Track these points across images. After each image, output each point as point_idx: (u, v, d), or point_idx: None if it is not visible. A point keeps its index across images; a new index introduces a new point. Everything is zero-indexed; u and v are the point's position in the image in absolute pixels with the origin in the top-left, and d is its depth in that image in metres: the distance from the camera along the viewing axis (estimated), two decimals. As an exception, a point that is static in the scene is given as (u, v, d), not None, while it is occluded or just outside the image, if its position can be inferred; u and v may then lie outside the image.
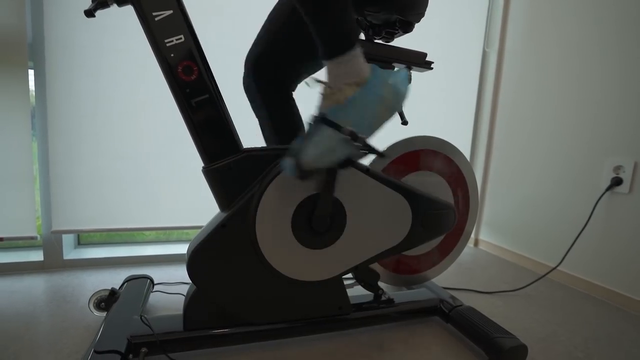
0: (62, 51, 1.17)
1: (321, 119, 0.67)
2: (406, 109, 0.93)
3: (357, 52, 0.65)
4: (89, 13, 0.66)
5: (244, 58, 0.93)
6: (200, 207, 1.36)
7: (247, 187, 0.76)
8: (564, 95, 1.43)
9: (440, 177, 0.99)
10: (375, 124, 0.69)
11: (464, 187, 1.03)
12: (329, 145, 0.66)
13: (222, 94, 0.79)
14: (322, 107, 0.68)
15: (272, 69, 0.87)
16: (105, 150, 1.25)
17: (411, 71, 0.90)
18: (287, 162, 0.69)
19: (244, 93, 0.94)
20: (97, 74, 1.21)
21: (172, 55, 0.70)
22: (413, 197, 0.88)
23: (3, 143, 1.17)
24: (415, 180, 0.95)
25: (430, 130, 1.70)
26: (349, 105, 0.66)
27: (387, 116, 0.69)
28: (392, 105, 0.69)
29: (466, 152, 1.83)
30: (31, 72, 1.19)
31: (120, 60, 1.23)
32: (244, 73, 0.92)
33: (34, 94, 1.20)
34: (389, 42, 0.89)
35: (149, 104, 1.27)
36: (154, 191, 1.31)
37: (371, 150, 0.70)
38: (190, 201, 1.35)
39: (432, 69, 0.91)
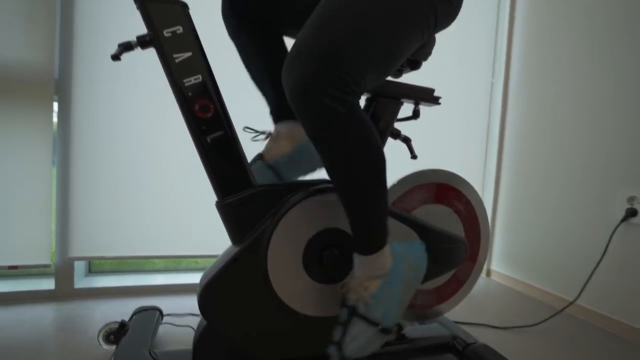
0: (86, 86, 1.23)
1: (353, 312, 0.72)
2: (415, 142, 0.95)
3: (387, 250, 0.72)
4: (116, 57, 0.70)
5: (256, 92, 0.94)
6: (212, 236, 1.37)
7: (259, 221, 0.77)
8: (575, 125, 1.43)
9: (450, 209, 0.99)
10: (402, 306, 0.75)
11: (473, 219, 1.03)
12: (366, 338, 0.71)
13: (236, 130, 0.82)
14: (350, 300, 0.72)
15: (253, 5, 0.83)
16: (122, 179, 1.28)
17: (419, 107, 0.93)
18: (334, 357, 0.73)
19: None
20: (117, 108, 1.26)
21: (190, 94, 0.73)
22: (424, 231, 0.87)
23: (24, 171, 1.20)
24: (424, 213, 0.96)
25: (440, 163, 1.71)
26: (377, 300, 0.71)
27: (410, 294, 0.76)
28: (414, 284, 0.77)
29: (477, 182, 1.83)
30: (55, 104, 1.25)
31: (140, 95, 1.28)
32: (222, 6, 0.86)
33: (56, 125, 1.25)
34: (397, 78, 0.92)
35: (166, 137, 1.31)
36: (167, 219, 1.33)
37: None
38: (201, 230, 1.37)
39: (439, 104, 0.93)
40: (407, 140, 0.91)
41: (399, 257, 0.74)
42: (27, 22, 1.18)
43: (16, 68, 1.18)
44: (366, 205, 0.68)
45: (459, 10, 0.79)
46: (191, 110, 0.73)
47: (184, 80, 0.73)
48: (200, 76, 0.73)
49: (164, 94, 1.28)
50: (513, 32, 1.78)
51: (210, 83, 0.74)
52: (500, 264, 1.76)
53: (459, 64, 1.74)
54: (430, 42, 0.85)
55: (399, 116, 0.91)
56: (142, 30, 0.73)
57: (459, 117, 1.75)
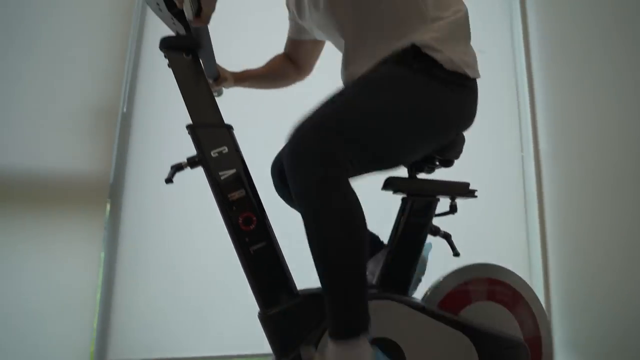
0: (139, 191, 1.33)
1: None
2: (455, 238, 0.93)
3: (365, 340, 0.63)
4: (169, 180, 0.76)
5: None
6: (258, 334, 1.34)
7: (302, 334, 0.75)
8: (619, 190, 1.36)
9: (502, 306, 0.92)
10: None
11: (529, 313, 0.95)
12: None
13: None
14: None
15: None
16: (166, 281, 1.31)
17: (456, 201, 0.93)
18: None
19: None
20: (165, 211, 1.34)
21: (234, 208, 0.77)
22: (476, 334, 0.81)
23: (71, 271, 1.25)
24: (474, 313, 0.90)
25: (482, 255, 1.60)
26: None
27: None
28: None
29: (523, 268, 1.70)
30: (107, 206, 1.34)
31: (185, 199, 1.35)
32: (272, 179, 0.98)
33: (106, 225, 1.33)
34: (429, 174, 0.94)
35: (208, 240, 1.34)
36: (210, 318, 1.32)
37: None
38: (245, 328, 1.33)
39: (476, 197, 0.93)
40: (447, 237, 0.90)
41: None
42: (90, 137, 1.33)
43: (75, 176, 1.31)
44: (336, 282, 0.64)
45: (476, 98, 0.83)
46: (235, 223, 0.77)
47: (229, 195, 0.77)
48: (243, 190, 0.78)
49: (205, 196, 1.36)
50: (536, 110, 1.81)
51: (252, 196, 0.79)
52: (567, 357, 1.57)
53: (487, 142, 1.74)
54: (460, 141, 0.88)
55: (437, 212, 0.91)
56: (185, 140, 0.80)
57: (494, 201, 1.70)
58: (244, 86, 1.07)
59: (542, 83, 1.80)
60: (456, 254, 0.88)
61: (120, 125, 1.37)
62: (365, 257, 0.67)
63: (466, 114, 0.83)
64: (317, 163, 0.63)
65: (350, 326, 0.63)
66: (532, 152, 1.78)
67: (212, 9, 0.68)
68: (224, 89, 1.03)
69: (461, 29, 0.80)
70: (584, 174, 1.51)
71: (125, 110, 1.38)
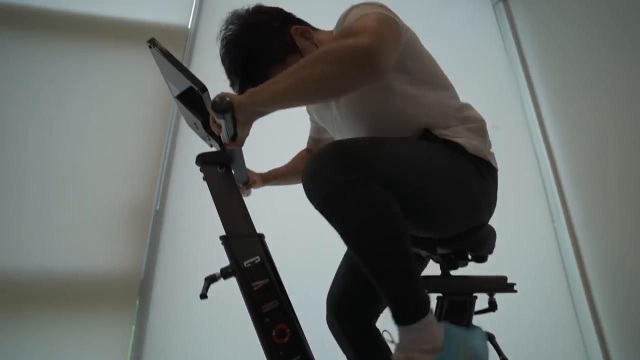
0: (167, 287, 1.34)
1: None
2: (499, 337, 0.87)
3: (431, 319, 0.64)
4: (203, 296, 0.77)
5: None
6: None
7: None
8: None
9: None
10: None
11: None
12: None
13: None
14: None
15: (353, 309, 0.90)
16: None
17: (494, 297, 0.89)
18: None
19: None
20: (193, 308, 1.33)
21: (267, 320, 0.76)
22: None
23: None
24: None
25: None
26: None
27: None
28: None
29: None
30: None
31: (215, 302, 1.34)
32: (327, 312, 0.95)
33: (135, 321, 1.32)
34: (464, 266, 0.91)
35: (240, 342, 1.30)
36: None
37: None
38: None
39: (515, 291, 0.88)
40: (490, 338, 0.84)
41: (455, 340, 0.64)
42: (123, 235, 1.39)
43: (107, 273, 1.34)
44: (383, 274, 0.64)
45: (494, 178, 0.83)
46: (269, 337, 0.75)
47: (262, 307, 0.77)
48: (277, 301, 0.78)
49: (234, 296, 1.35)
50: (560, 177, 1.79)
51: (286, 307, 0.78)
52: None
53: (514, 214, 1.71)
54: (492, 236, 0.87)
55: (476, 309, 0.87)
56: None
57: (536, 289, 1.59)
58: (272, 184, 1.12)
59: (561, 149, 1.81)
60: (503, 358, 0.82)
61: (152, 223, 1.43)
62: (405, 240, 0.65)
63: (487, 196, 0.83)
64: (336, 171, 0.63)
65: (411, 309, 0.64)
66: (564, 223, 1.72)
67: (247, 134, 0.74)
68: (252, 189, 1.09)
69: (479, 133, 0.83)
70: (622, 234, 1.44)
71: (158, 207, 1.45)
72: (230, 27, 0.86)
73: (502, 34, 2.16)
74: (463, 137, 0.77)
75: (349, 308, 0.91)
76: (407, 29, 0.81)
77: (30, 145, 1.45)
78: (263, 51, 0.83)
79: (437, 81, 0.85)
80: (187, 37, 1.78)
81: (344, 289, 0.93)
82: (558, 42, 1.84)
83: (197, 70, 1.62)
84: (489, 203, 0.84)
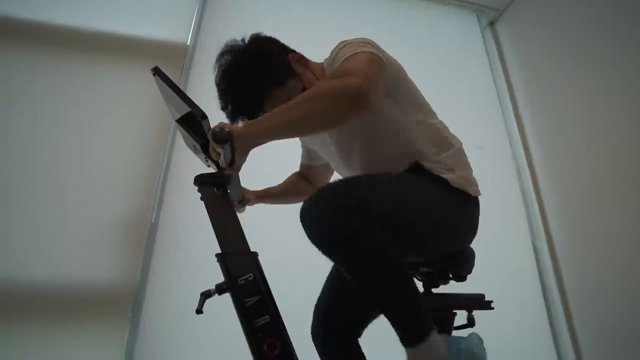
0: (160, 300, 1.37)
1: None
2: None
3: (435, 336, 0.69)
4: (199, 311, 0.81)
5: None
6: None
7: None
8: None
9: None
10: None
11: None
12: None
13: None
14: None
15: (341, 321, 0.95)
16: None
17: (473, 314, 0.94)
18: None
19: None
20: (183, 319, 1.36)
21: (259, 334, 0.80)
22: None
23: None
24: None
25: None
26: None
27: None
28: None
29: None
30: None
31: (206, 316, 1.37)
32: (313, 323, 0.99)
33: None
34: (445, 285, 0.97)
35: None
36: None
37: None
38: None
39: (492, 308, 0.94)
40: (468, 353, 0.90)
41: (455, 344, 0.71)
42: (118, 248, 1.42)
43: (101, 286, 1.37)
44: (393, 303, 0.70)
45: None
46: (260, 350, 0.79)
47: (254, 322, 0.81)
48: (268, 317, 0.82)
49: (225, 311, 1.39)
50: (542, 197, 1.87)
51: (277, 322, 0.82)
52: None
53: (494, 230, 1.77)
54: (471, 256, 0.93)
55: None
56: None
57: (513, 308, 1.63)
58: (265, 203, 1.17)
59: (544, 167, 1.89)
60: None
61: (147, 236, 1.46)
62: (406, 273, 0.72)
63: (471, 223, 0.90)
64: (337, 217, 0.68)
65: (416, 330, 0.69)
66: (544, 240, 1.80)
67: (244, 161, 0.79)
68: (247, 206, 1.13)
69: (459, 156, 0.90)
70: (602, 252, 1.51)
71: (153, 220, 1.48)
72: (226, 56, 0.92)
73: (489, 57, 2.26)
74: (448, 173, 0.83)
75: (336, 319, 0.95)
76: (392, 63, 0.88)
77: (26, 157, 1.47)
78: (263, 75, 0.89)
79: (419, 104, 0.93)
80: (186, 53, 1.83)
81: (333, 302, 0.97)
82: (543, 65, 1.94)
83: (195, 87, 1.70)
84: (473, 228, 0.91)
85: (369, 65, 0.73)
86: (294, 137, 0.82)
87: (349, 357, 0.94)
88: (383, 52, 0.84)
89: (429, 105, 0.96)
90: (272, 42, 0.97)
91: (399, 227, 0.73)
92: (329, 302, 0.98)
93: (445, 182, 0.82)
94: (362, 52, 0.77)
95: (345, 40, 0.85)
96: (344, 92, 0.69)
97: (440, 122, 0.95)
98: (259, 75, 0.89)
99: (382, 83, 0.78)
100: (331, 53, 0.88)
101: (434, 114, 0.96)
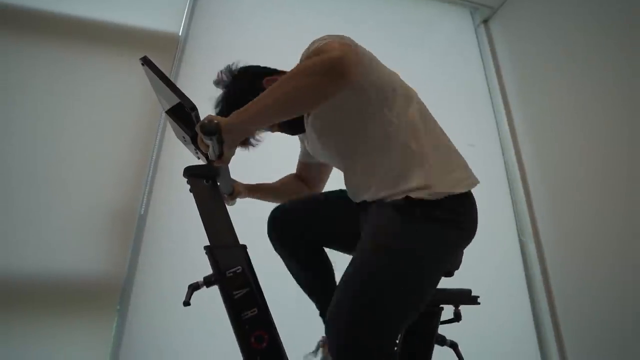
0: (148, 292, 1.36)
1: None
2: (461, 346, 0.94)
3: None
4: (186, 303, 0.81)
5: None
6: None
7: None
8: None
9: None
10: None
11: None
12: None
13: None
14: None
15: (300, 227, 0.99)
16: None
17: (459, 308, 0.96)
18: None
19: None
20: (172, 313, 1.36)
21: (247, 326, 0.81)
22: None
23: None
24: None
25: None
26: None
27: None
28: None
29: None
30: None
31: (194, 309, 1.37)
32: (274, 214, 1.02)
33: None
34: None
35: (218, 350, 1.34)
36: None
37: None
38: None
39: (479, 303, 0.96)
40: (454, 346, 0.92)
41: None
42: (106, 239, 1.41)
43: (89, 277, 1.35)
44: None
45: (475, 226, 0.89)
46: (248, 342, 0.80)
47: (242, 315, 0.81)
48: (256, 309, 0.82)
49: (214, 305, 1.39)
50: (530, 194, 1.90)
51: (264, 314, 0.82)
52: None
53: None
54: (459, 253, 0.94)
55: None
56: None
57: (499, 300, 1.66)
58: (255, 197, 1.16)
59: (533, 165, 1.91)
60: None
61: (136, 227, 1.45)
62: None
63: (471, 229, 0.88)
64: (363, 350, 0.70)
65: None
66: (532, 237, 1.82)
67: (233, 153, 0.79)
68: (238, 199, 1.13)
69: (444, 156, 0.88)
70: (586, 255, 1.54)
71: (142, 212, 1.47)
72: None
73: (482, 54, 2.27)
74: (440, 184, 0.80)
75: (296, 224, 1.00)
76: (365, 51, 0.87)
77: (14, 147, 1.45)
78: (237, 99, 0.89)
79: (400, 91, 0.88)
80: (177, 44, 1.80)
81: (297, 206, 1.03)
82: (536, 63, 1.95)
83: (186, 79, 1.68)
84: (472, 230, 0.89)
85: (344, 45, 0.73)
86: (283, 118, 0.81)
87: (309, 262, 1.01)
88: (356, 43, 0.83)
89: (412, 90, 0.92)
90: (248, 73, 1.00)
91: (413, 306, 0.76)
92: (291, 206, 1.03)
93: (435, 204, 0.78)
94: (335, 38, 0.77)
95: (316, 39, 0.83)
96: (324, 64, 0.69)
97: (426, 113, 0.92)
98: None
99: (359, 59, 0.77)
100: (302, 55, 0.85)
101: (417, 99, 0.92)
